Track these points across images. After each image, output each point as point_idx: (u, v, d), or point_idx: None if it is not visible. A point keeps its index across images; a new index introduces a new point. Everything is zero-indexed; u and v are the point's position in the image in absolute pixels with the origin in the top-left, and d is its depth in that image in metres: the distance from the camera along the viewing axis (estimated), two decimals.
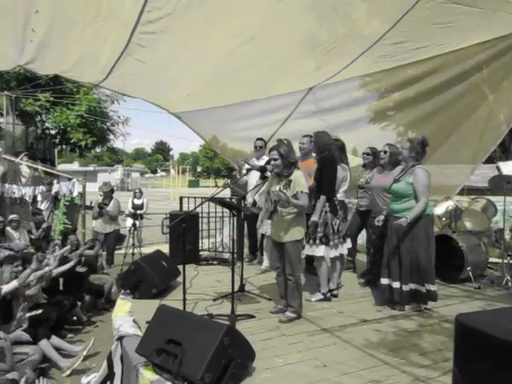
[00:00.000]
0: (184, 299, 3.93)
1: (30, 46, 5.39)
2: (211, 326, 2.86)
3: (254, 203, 5.85)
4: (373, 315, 4.26)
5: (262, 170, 4.69)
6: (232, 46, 5.21)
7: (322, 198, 4.59)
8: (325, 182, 4.62)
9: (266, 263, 5.97)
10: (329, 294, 4.75)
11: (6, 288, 4.39)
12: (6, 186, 10.30)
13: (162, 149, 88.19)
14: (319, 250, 4.61)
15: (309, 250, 4.70)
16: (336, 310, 4.44)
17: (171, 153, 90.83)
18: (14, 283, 4.47)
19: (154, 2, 4.26)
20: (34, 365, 4.22)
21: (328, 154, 4.71)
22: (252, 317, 4.15)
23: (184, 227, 3.99)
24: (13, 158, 10.44)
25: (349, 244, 4.88)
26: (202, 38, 5.04)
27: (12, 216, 8.80)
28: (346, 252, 4.94)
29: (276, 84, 6.83)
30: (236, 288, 4.41)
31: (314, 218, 4.57)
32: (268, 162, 4.46)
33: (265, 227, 5.41)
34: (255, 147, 6.33)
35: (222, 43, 5.17)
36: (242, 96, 7.29)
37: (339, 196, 4.98)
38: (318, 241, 4.60)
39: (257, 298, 4.77)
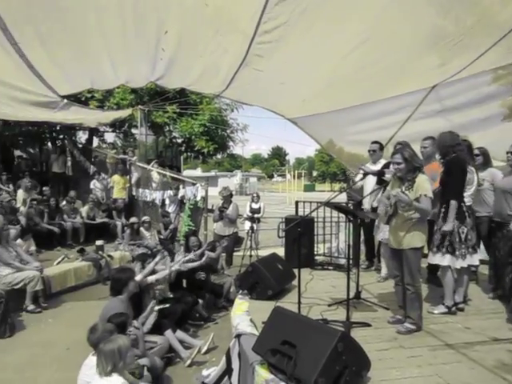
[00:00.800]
0: (299, 302, 3.97)
1: (160, 63, 5.96)
2: (326, 331, 2.85)
3: (372, 209, 5.67)
4: (505, 334, 3.82)
5: (380, 174, 4.53)
6: (348, 48, 5.13)
7: (453, 203, 4.20)
8: (455, 186, 4.25)
9: (384, 271, 5.73)
10: (454, 308, 4.39)
11: (139, 278, 4.92)
12: (140, 190, 11.47)
13: (279, 154, 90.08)
14: (444, 259, 4.28)
15: (433, 259, 4.40)
16: (462, 325, 4.09)
17: (287, 158, 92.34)
18: (144, 275, 4.98)
19: (269, 12, 4.39)
20: (162, 353, 4.61)
21: (455, 155, 4.36)
22: (368, 325, 4.02)
23: (299, 231, 4.02)
24: (145, 166, 11.58)
25: (480, 255, 4.46)
26: (317, 43, 5.06)
27: (144, 218, 9.75)
28: (476, 263, 4.51)
29: (394, 84, 6.55)
30: (351, 295, 4.32)
31: (447, 227, 4.21)
32: (386, 166, 4.29)
33: (381, 233, 5.20)
34: (369, 151, 6.14)
35: (337, 47, 5.13)
36: (358, 98, 7.13)
37: (466, 201, 4.57)
38: (443, 249, 4.28)
39: (373, 307, 4.61)
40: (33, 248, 7.92)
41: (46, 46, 5.53)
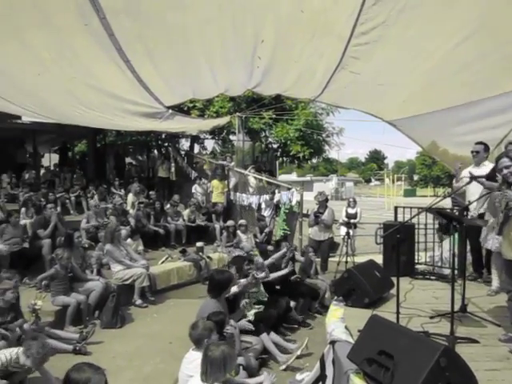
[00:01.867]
0: (397, 312, 3.79)
1: (257, 71, 6.12)
2: (427, 344, 2.68)
3: (479, 215, 5.23)
4: None
5: (490, 177, 4.17)
6: (450, 44, 4.82)
7: None
8: None
9: (495, 283, 5.24)
10: None
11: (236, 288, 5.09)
12: (237, 194, 11.85)
13: (377, 157, 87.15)
14: None
15: None
16: None
17: (386, 161, 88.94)
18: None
19: (366, 13, 4.30)
20: (256, 354, 4.71)
21: None
22: (475, 342, 3.71)
23: (398, 238, 3.86)
24: (242, 171, 11.93)
25: None
26: (417, 41, 4.83)
27: (241, 221, 10.04)
28: None
29: (504, 80, 5.99)
30: (456, 307, 4.02)
31: None
32: (494, 169, 3.93)
33: (490, 242, 4.77)
34: (472, 152, 5.66)
35: (439, 44, 4.84)
36: (463, 97, 6.63)
37: None
38: None
39: (482, 322, 4.23)
40: (141, 248, 8.57)
41: (154, 62, 5.99)
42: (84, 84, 6.49)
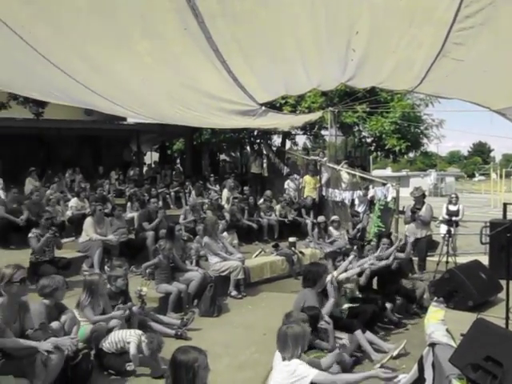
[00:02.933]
0: (507, 318, 3.52)
1: (351, 64, 5.99)
2: None
3: None
4: None
5: None
6: None
7: None
8: None
9: None
10: None
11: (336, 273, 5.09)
12: (330, 190, 11.73)
13: (481, 150, 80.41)
14: None
15: None
16: None
17: (492, 154, 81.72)
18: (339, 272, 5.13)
19: None
20: (350, 351, 4.65)
21: None
22: None
23: (508, 237, 3.57)
24: (335, 166, 11.77)
25: None
26: None
27: (334, 217, 9.94)
28: None
29: None
30: None
31: None
32: None
33: None
34: None
35: None
36: None
37: None
38: None
39: None
40: (235, 241, 8.86)
41: (248, 60, 6.15)
42: (183, 86, 6.87)
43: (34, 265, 6.36)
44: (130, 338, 4.41)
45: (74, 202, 9.66)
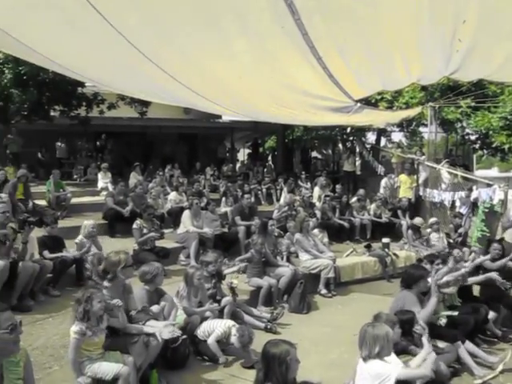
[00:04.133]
0: None
1: (456, 56, 5.60)
2: None
3: None
4: None
5: None
6: None
7: None
8: None
9: None
10: None
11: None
12: (428, 190, 11.09)
13: None
14: None
15: None
16: None
17: None
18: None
19: None
20: (448, 362, 4.36)
21: None
22: None
23: None
24: (434, 165, 11.11)
25: None
26: None
27: (433, 219, 9.39)
28: None
29: None
30: None
31: None
32: None
33: None
34: None
35: None
36: None
37: None
38: None
39: None
40: (326, 240, 8.77)
41: (344, 56, 6.04)
42: (279, 83, 6.95)
43: (137, 253, 6.89)
44: (217, 328, 4.58)
45: (173, 195, 10.28)
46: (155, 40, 5.49)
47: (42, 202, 9.49)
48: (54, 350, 4.18)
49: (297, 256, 7.55)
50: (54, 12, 4.24)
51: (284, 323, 5.72)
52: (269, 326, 5.40)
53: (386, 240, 8.80)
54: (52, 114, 15.64)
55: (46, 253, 5.82)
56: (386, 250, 8.53)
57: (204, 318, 4.77)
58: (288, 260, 7.40)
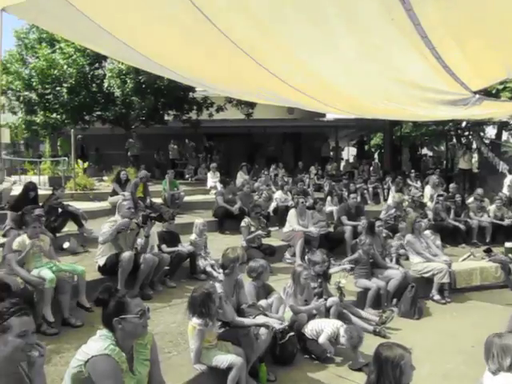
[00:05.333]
0: None
1: None
2: None
3: None
4: None
5: None
6: None
7: None
8: None
9: None
10: None
11: None
12: None
13: None
14: None
15: None
16: None
17: None
18: None
19: None
20: None
21: None
22: None
23: None
24: None
25: None
26: None
27: None
28: None
29: None
30: None
31: None
32: None
33: None
34: None
35: None
36: None
37: None
38: None
39: None
40: (438, 242, 8.23)
41: (460, 45, 5.59)
42: (387, 77, 6.68)
43: (245, 250, 7.10)
44: (326, 327, 4.57)
45: (278, 194, 10.44)
46: (263, 44, 5.65)
47: (158, 200, 10.25)
48: (172, 336, 4.48)
49: (407, 258, 7.20)
50: (168, 24, 4.58)
51: (393, 328, 5.49)
52: (377, 329, 5.23)
53: (509, 244, 7.99)
54: (166, 118, 16.91)
55: (164, 247, 6.28)
56: (510, 255, 7.74)
57: (311, 316, 4.78)
58: (397, 262, 7.09)
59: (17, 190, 8.11)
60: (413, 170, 14.11)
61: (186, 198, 10.81)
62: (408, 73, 6.55)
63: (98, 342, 2.46)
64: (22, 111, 15.57)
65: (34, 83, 14.67)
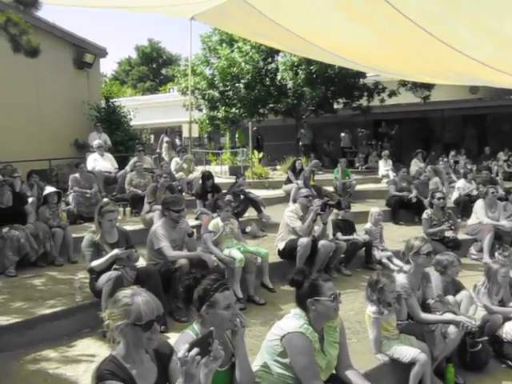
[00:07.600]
0: None
1: None
2: None
3: None
4: None
5: None
6: None
7: None
8: None
9: None
10: None
11: None
12: None
13: None
14: None
15: None
16: None
17: None
18: None
19: None
20: None
21: None
22: None
23: None
24: None
25: None
26: None
27: None
28: None
29: None
30: None
31: None
32: None
33: None
34: None
35: None
36: None
37: None
38: None
39: None
40: None
41: None
42: None
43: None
44: None
45: (461, 183, 9.52)
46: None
47: (329, 188, 10.34)
48: (351, 324, 4.47)
49: None
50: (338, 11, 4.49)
51: None
52: None
53: None
54: (335, 106, 16.88)
55: (339, 234, 6.30)
56: None
57: (508, 319, 4.24)
58: None
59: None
60: None
61: (357, 187, 10.68)
62: None
63: (293, 320, 2.60)
64: (206, 108, 17.32)
65: (216, 81, 16.19)
